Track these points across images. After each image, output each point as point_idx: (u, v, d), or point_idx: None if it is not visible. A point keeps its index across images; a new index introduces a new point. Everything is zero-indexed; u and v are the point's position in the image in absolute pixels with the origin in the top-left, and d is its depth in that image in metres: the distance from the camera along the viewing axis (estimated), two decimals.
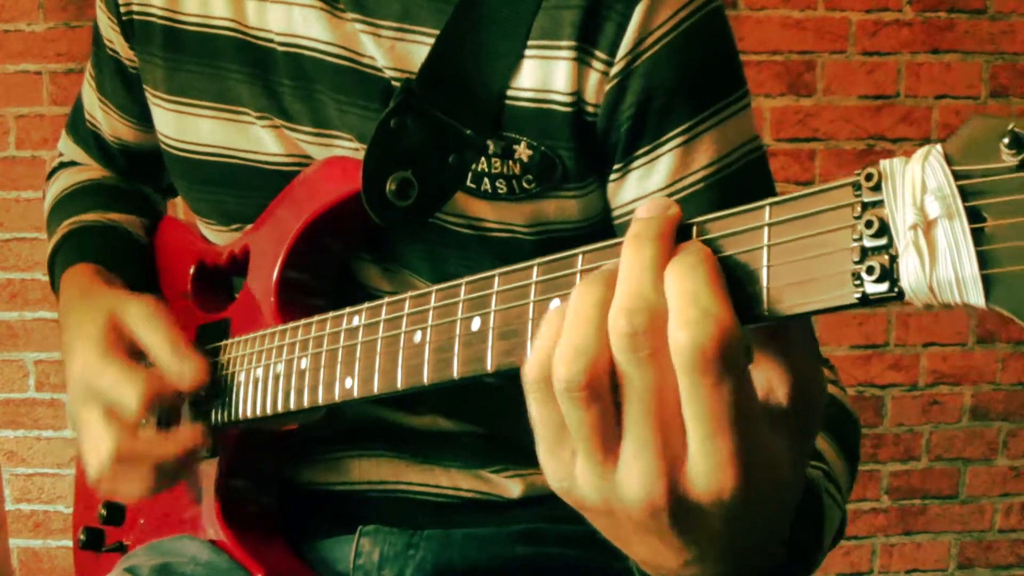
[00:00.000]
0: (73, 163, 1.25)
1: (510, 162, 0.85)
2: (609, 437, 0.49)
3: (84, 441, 0.90)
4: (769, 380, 0.51)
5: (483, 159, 0.85)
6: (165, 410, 0.94)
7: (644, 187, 0.86)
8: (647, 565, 0.55)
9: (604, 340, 0.48)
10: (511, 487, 0.99)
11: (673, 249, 0.49)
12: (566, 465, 0.52)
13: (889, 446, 2.83)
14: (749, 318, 0.48)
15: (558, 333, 0.50)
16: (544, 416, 0.52)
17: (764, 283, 0.47)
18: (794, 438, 0.51)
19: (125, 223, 1.15)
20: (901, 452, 2.84)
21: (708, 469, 0.47)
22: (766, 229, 0.47)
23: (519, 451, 1.00)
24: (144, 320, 0.90)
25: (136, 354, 0.91)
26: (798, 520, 0.57)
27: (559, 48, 0.82)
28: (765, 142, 2.62)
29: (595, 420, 0.48)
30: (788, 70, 2.71)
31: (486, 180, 0.85)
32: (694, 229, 0.51)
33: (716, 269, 0.48)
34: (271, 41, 0.91)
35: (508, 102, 0.84)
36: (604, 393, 0.48)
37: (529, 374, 0.51)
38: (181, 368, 0.87)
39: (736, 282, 0.48)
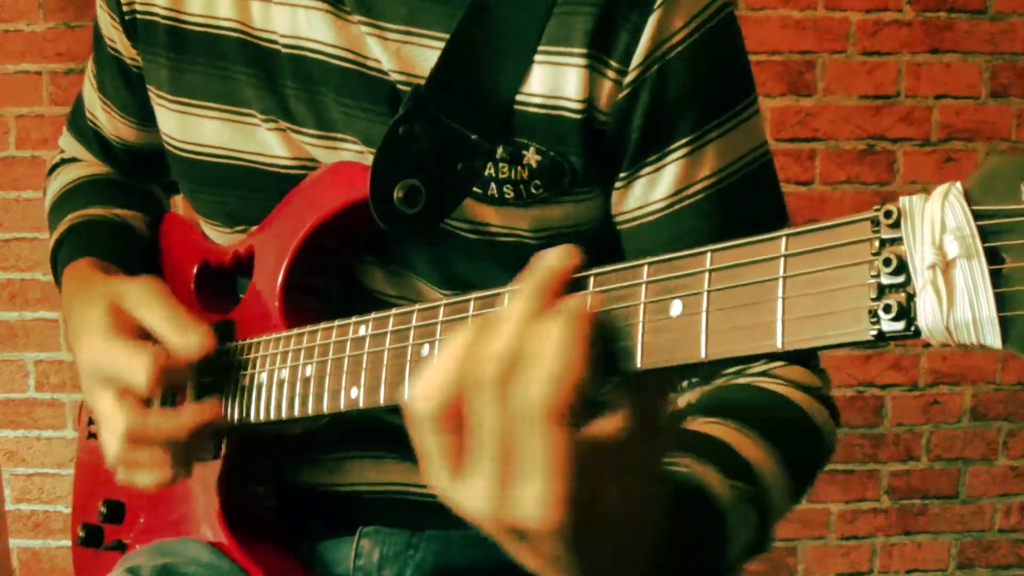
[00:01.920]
0: (75, 159, 1.25)
1: (518, 167, 0.84)
2: (459, 460, 0.56)
3: (101, 426, 0.90)
4: (615, 427, 0.55)
5: (490, 164, 0.84)
6: (174, 388, 0.93)
7: (649, 195, 0.86)
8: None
9: (463, 379, 0.55)
10: None
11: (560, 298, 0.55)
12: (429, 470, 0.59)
13: (889, 446, 2.83)
14: (763, 349, 0.47)
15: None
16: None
17: (779, 315, 0.47)
18: (627, 481, 0.56)
19: (129, 218, 1.14)
20: (901, 452, 2.84)
21: (533, 504, 0.53)
22: (782, 260, 0.47)
23: None
24: (142, 299, 0.90)
25: (144, 336, 0.90)
26: (694, 539, 0.66)
27: (571, 55, 0.82)
28: None
29: (444, 447, 0.56)
30: (788, 70, 2.71)
31: (493, 185, 0.85)
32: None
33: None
34: (275, 43, 0.91)
35: (518, 107, 0.83)
36: (455, 426, 0.55)
37: (409, 405, 0.58)
38: (186, 339, 0.86)
39: (747, 313, 0.48)
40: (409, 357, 0.68)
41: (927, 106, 2.74)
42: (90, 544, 1.11)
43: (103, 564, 1.09)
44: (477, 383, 0.54)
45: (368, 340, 0.73)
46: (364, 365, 0.72)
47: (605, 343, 0.54)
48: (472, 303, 0.63)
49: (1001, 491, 2.87)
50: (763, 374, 0.89)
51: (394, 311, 0.70)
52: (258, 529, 0.97)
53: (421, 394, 0.56)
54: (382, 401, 0.70)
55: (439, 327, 0.65)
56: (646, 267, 0.53)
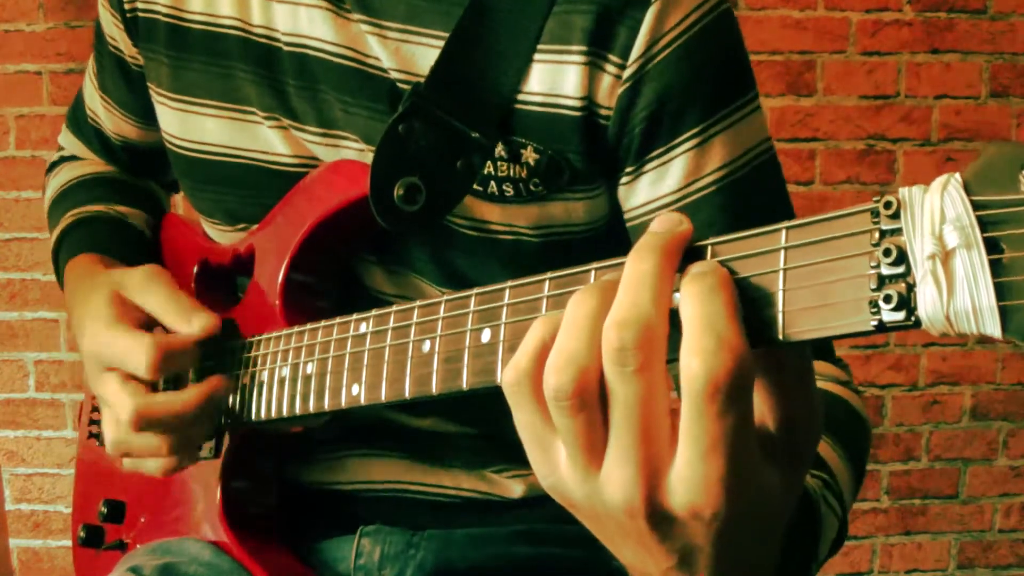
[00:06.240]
0: (75, 157, 1.25)
1: (516, 166, 0.84)
2: (595, 442, 0.49)
3: (104, 412, 0.90)
4: (761, 409, 0.51)
5: (489, 162, 0.84)
6: (177, 375, 0.93)
7: (657, 190, 0.86)
8: (634, 570, 0.55)
9: (596, 351, 0.48)
10: (513, 487, 0.99)
11: (683, 266, 0.49)
12: (553, 463, 0.52)
13: (889, 446, 2.83)
14: (762, 342, 0.47)
15: (542, 340, 0.51)
16: (526, 420, 0.52)
17: (779, 307, 0.47)
18: (783, 467, 0.51)
19: (130, 216, 1.15)
20: (901, 452, 2.84)
21: (692, 486, 0.48)
22: (783, 252, 0.47)
23: (521, 452, 0.99)
24: (144, 285, 0.90)
25: (148, 324, 0.91)
26: (793, 531, 0.58)
27: (570, 53, 0.82)
28: None
29: (582, 428, 0.49)
30: (788, 70, 2.71)
31: (492, 183, 0.85)
32: (708, 250, 0.50)
33: (734, 295, 0.47)
34: (276, 40, 0.91)
35: (517, 106, 0.84)
36: (592, 402, 0.48)
37: (507, 377, 0.52)
38: (188, 321, 0.87)
39: (750, 305, 0.48)
40: (410, 354, 0.68)
41: (927, 106, 2.74)
42: (91, 544, 1.11)
43: (104, 564, 1.09)
44: (610, 353, 0.47)
45: (369, 337, 0.73)
46: (365, 362, 0.73)
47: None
48: (473, 299, 0.63)
49: (1001, 491, 2.87)
50: None
51: (395, 308, 0.70)
52: (259, 528, 0.97)
53: (553, 367, 0.49)
54: (383, 398, 0.70)
55: (440, 323, 0.66)
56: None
